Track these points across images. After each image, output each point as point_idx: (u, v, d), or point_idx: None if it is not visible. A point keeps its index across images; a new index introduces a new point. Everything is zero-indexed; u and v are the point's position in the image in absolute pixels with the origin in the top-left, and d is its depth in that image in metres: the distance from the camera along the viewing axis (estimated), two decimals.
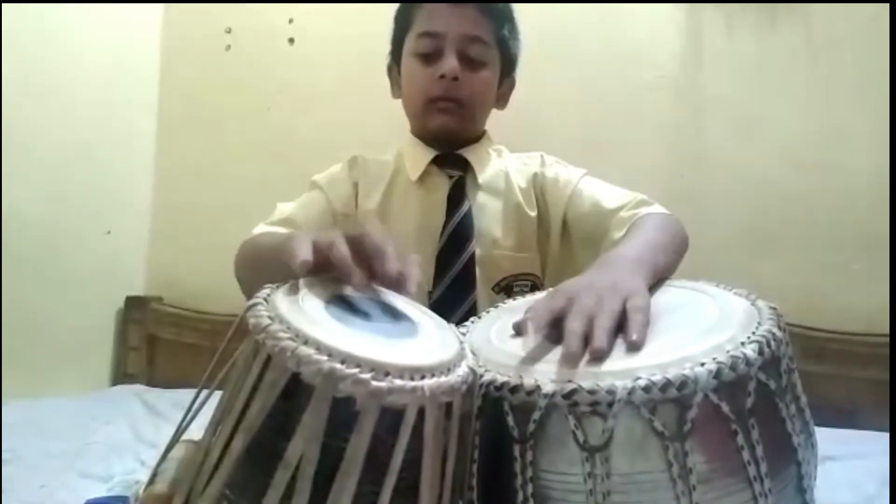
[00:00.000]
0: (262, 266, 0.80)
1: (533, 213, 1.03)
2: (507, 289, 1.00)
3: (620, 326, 0.54)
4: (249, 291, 0.73)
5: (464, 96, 1.02)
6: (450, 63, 0.99)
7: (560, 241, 1.03)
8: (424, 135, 1.07)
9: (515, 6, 1.10)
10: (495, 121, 1.14)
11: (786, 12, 1.51)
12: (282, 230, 0.94)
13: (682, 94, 1.58)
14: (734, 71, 1.55)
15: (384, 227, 1.01)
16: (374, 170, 1.08)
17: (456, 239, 1.00)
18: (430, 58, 1.01)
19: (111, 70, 1.78)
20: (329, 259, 0.56)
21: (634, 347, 0.50)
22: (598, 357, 0.49)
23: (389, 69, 1.12)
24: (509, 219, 1.03)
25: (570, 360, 0.50)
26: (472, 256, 0.99)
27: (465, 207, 1.02)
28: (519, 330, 0.59)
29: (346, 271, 0.55)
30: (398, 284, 0.58)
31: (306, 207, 1.03)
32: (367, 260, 0.57)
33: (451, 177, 1.05)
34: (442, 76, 0.99)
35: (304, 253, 0.55)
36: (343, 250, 0.56)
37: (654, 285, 0.65)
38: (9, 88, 1.47)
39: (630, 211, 0.94)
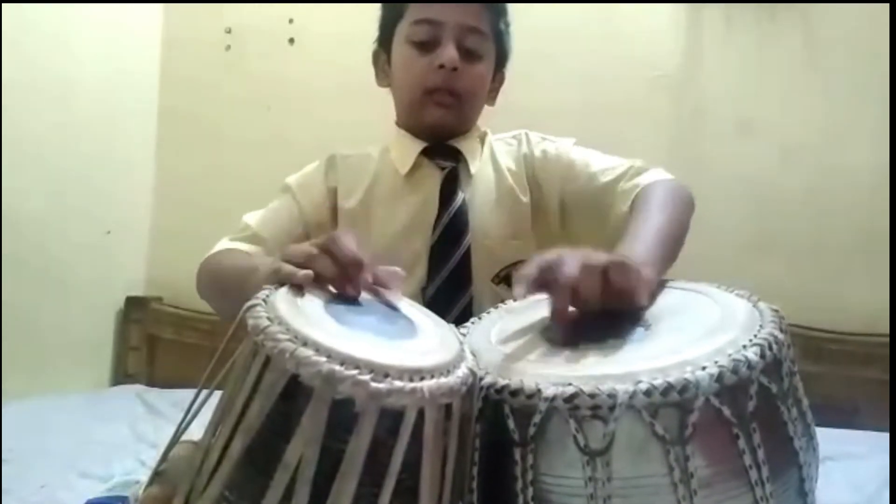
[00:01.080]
0: (226, 291, 0.80)
1: (525, 199, 0.99)
2: (507, 279, 0.95)
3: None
4: (217, 310, 0.73)
5: (461, 88, 0.98)
6: (449, 52, 0.94)
7: (560, 221, 0.99)
8: (414, 126, 1.03)
9: (515, 5, 1.09)
10: (494, 121, 1.14)
11: (786, 12, 1.51)
12: (246, 247, 0.93)
13: (682, 93, 1.58)
14: (734, 70, 1.55)
15: (366, 227, 0.98)
16: (354, 166, 1.04)
17: (450, 233, 0.96)
18: (426, 46, 0.97)
19: (111, 70, 1.78)
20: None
21: None
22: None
23: (375, 56, 1.07)
24: (503, 207, 0.99)
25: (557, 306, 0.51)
26: (468, 250, 0.96)
27: (458, 200, 0.98)
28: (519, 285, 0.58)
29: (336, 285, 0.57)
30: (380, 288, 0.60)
31: (274, 218, 0.99)
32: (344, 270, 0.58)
33: (442, 168, 1.01)
34: (441, 66, 0.95)
35: (300, 275, 0.56)
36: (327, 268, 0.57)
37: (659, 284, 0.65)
38: (9, 88, 1.47)
39: (630, 181, 0.91)
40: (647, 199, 0.85)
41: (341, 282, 0.57)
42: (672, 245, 0.76)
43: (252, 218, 0.99)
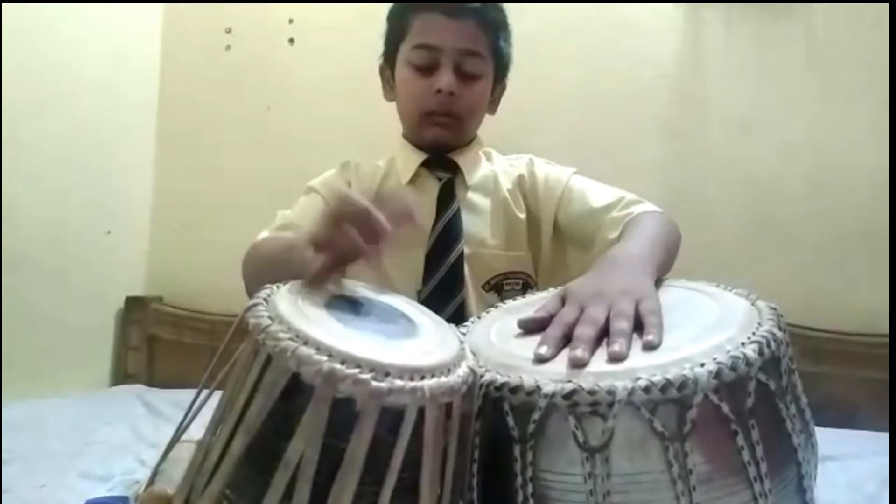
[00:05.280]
0: (271, 272, 0.81)
1: (522, 215, 1.04)
2: (497, 287, 1.01)
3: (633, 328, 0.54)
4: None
5: (459, 110, 1.03)
6: (446, 79, 0.99)
7: (552, 241, 1.04)
8: (415, 140, 1.08)
9: (515, 5, 1.09)
10: (494, 121, 1.14)
11: (786, 12, 1.51)
12: (285, 234, 0.96)
13: (682, 94, 1.58)
14: (734, 71, 1.55)
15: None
16: (365, 174, 1.10)
17: (444, 239, 1.01)
18: (425, 70, 1.01)
19: (111, 70, 1.78)
20: (336, 252, 0.59)
21: (651, 347, 0.50)
22: (618, 359, 0.50)
23: (382, 70, 1.12)
24: (498, 218, 1.04)
25: (576, 366, 0.50)
26: (461, 256, 1.00)
27: (453, 208, 1.03)
28: (526, 328, 0.60)
29: (361, 251, 0.59)
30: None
31: (305, 211, 1.04)
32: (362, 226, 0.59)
33: (440, 179, 1.06)
34: (438, 90, 0.99)
35: (317, 264, 0.58)
36: (349, 236, 0.58)
37: (654, 285, 0.65)
38: (9, 88, 1.47)
39: (622, 210, 0.94)
40: (638, 226, 0.88)
41: (361, 253, 0.59)
42: (663, 253, 0.77)
43: (285, 212, 1.05)
